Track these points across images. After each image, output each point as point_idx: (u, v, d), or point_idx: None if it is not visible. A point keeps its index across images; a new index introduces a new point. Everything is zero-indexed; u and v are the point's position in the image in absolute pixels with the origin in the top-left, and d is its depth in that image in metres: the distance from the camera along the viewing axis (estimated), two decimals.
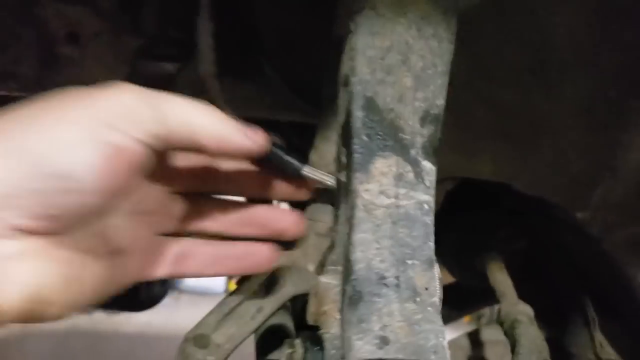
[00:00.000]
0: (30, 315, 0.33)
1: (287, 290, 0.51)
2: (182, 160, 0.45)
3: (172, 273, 0.45)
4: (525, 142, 0.66)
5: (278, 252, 0.46)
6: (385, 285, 0.34)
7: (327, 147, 0.52)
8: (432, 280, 0.35)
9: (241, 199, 0.50)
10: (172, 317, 2.72)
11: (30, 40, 0.57)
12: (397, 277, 0.35)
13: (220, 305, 0.51)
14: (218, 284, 3.41)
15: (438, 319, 0.34)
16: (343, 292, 0.35)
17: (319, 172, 0.49)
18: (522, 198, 0.69)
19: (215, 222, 0.47)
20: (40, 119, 0.33)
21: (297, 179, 0.49)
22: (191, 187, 0.46)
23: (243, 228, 0.47)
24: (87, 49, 0.57)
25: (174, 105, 0.36)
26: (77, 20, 0.57)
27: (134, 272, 0.42)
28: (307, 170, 0.49)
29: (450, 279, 0.90)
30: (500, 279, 0.72)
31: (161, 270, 0.44)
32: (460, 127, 0.63)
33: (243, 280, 0.53)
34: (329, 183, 0.48)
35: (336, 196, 0.42)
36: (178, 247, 0.45)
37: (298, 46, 0.64)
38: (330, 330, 0.37)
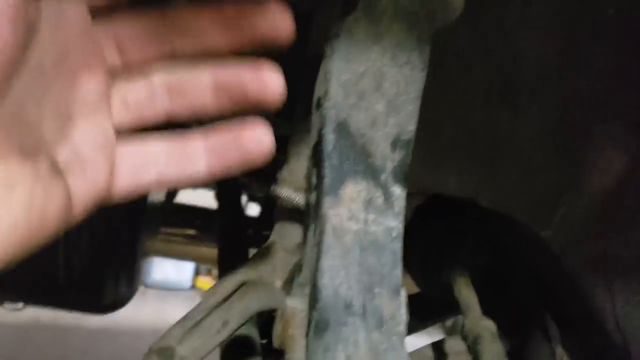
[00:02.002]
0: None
1: (253, 305, 0.51)
2: (120, 22, 0.35)
3: (138, 184, 0.36)
4: (490, 160, 0.67)
5: (270, 135, 0.37)
6: (352, 313, 0.35)
7: (298, 164, 0.52)
8: (399, 308, 0.36)
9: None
10: (138, 312, 2.69)
11: None
12: (363, 306, 0.35)
13: (185, 317, 0.51)
14: (185, 279, 3.39)
15: (403, 349, 0.35)
16: (309, 319, 0.35)
17: (289, 191, 0.49)
18: (486, 214, 0.71)
19: (180, 100, 0.36)
20: None
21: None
22: (136, 57, 0.36)
23: (214, 100, 0.36)
24: None
25: None
26: None
27: (81, 194, 0.33)
28: (276, 188, 0.49)
29: (415, 289, 0.91)
30: (466, 293, 0.73)
31: (120, 187, 0.36)
32: (427, 142, 0.64)
33: (208, 294, 0.53)
34: (297, 202, 0.49)
35: (305, 217, 0.42)
36: (133, 150, 0.36)
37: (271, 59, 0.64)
38: (296, 355, 0.37)
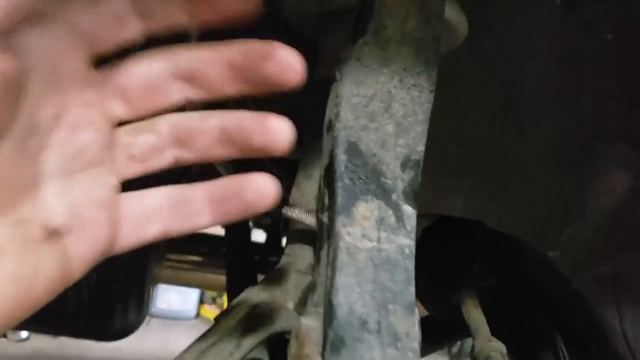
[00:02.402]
0: None
1: (266, 328, 0.51)
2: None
3: (141, 239, 0.35)
4: (496, 181, 0.68)
5: (275, 185, 0.36)
6: (367, 330, 0.35)
7: (308, 185, 0.53)
8: (413, 325, 0.36)
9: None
10: (142, 342, 2.67)
11: None
12: (378, 323, 0.36)
13: (198, 341, 0.51)
14: (189, 308, 3.37)
15: None
16: (325, 336, 0.36)
17: (300, 212, 0.50)
18: (494, 235, 0.71)
19: (186, 150, 0.36)
20: None
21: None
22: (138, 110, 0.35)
23: (220, 149, 0.36)
24: None
25: None
26: None
27: (79, 256, 0.32)
28: (287, 210, 0.50)
29: (424, 312, 0.91)
30: (475, 315, 0.73)
31: (124, 242, 0.35)
32: (432, 163, 0.65)
33: (221, 316, 0.54)
34: (310, 223, 0.49)
35: (317, 236, 0.43)
36: (136, 203, 0.35)
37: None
38: None
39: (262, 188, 0.35)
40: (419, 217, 0.43)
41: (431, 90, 0.44)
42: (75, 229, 0.32)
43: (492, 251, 0.77)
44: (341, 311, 0.36)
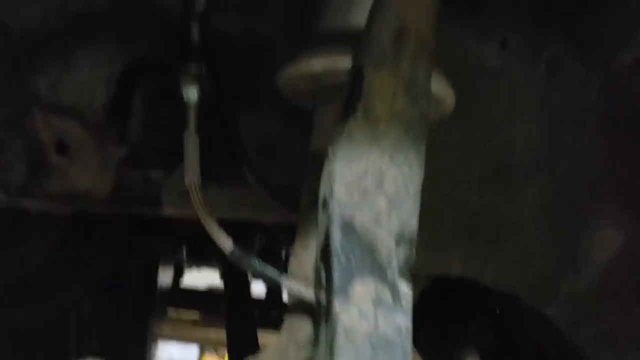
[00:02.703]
0: None
1: None
2: None
3: None
4: (490, 242, 0.69)
5: None
6: None
7: (306, 255, 0.54)
8: None
9: None
10: None
11: (19, 149, 0.59)
12: None
13: None
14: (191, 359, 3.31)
15: None
16: None
17: (299, 286, 0.51)
18: (491, 294, 0.72)
19: None
20: None
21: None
22: None
23: None
24: (75, 158, 0.60)
25: None
26: (65, 131, 0.59)
27: None
28: (286, 284, 0.51)
29: None
30: None
31: None
32: (429, 227, 0.66)
33: None
34: (308, 297, 0.50)
35: (315, 313, 0.44)
36: None
37: (276, 154, 0.67)
38: None
39: None
40: (417, 278, 0.44)
41: (421, 167, 0.45)
42: None
43: (489, 309, 0.77)
44: None
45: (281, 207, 0.66)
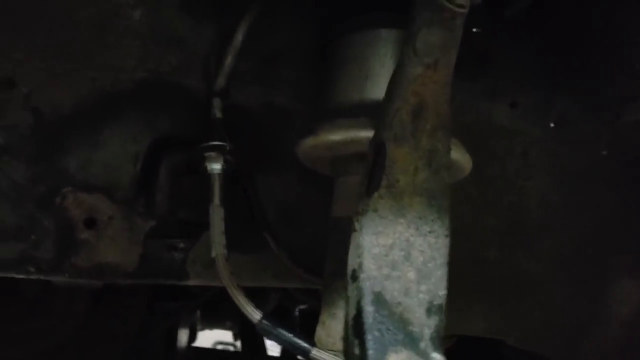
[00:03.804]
0: None
1: None
2: None
3: None
4: (512, 298, 0.70)
5: None
6: None
7: (334, 324, 0.55)
8: None
9: None
10: None
11: (49, 226, 0.61)
12: None
13: None
14: None
15: None
16: None
17: (328, 355, 0.52)
18: (516, 353, 0.72)
19: None
20: None
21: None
22: None
23: None
24: (103, 233, 0.61)
25: None
26: (94, 207, 0.61)
27: None
28: (316, 354, 0.52)
29: None
30: None
31: None
32: (450, 286, 0.67)
33: None
34: None
35: None
36: None
37: (296, 219, 0.69)
38: None
39: None
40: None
41: (446, 235, 0.47)
42: None
43: None
44: None
45: (302, 273, 0.67)
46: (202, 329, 1.58)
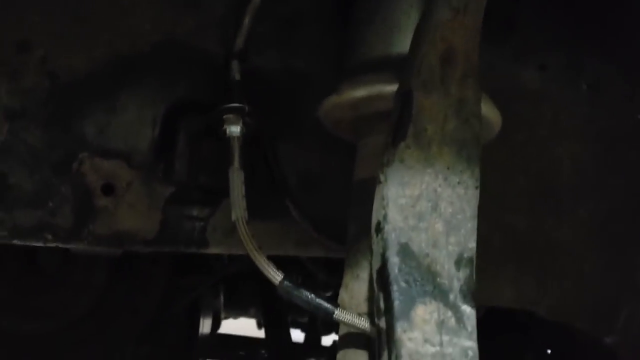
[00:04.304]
0: None
1: None
2: None
3: None
4: (542, 267, 0.67)
5: None
6: None
7: (357, 286, 0.53)
8: None
9: None
10: None
11: (67, 193, 0.60)
12: None
13: None
14: None
15: None
16: None
17: (352, 315, 0.49)
18: (546, 324, 0.69)
19: None
20: None
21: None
22: None
23: None
24: (122, 199, 0.60)
25: None
26: (112, 173, 0.60)
27: None
28: (340, 314, 0.50)
29: None
30: None
31: None
32: (477, 255, 0.65)
33: None
34: (362, 327, 0.49)
35: (376, 342, 0.42)
36: None
37: (318, 187, 0.67)
38: None
39: None
40: None
41: (476, 187, 0.44)
42: None
43: (544, 343, 0.75)
44: None
45: (325, 240, 0.65)
46: (226, 317, 1.57)
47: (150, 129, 0.61)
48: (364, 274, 0.53)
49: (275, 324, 1.24)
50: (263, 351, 1.41)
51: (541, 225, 0.67)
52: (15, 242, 0.60)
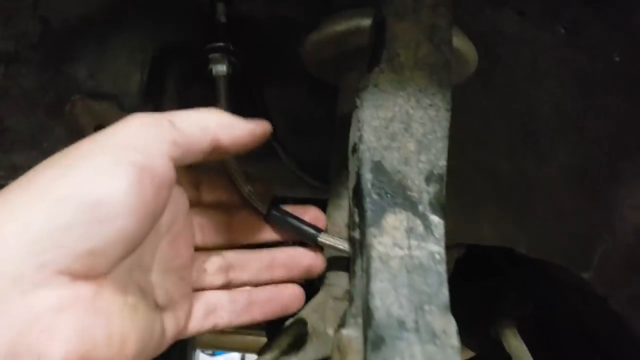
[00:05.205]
0: None
1: (308, 355, 0.53)
2: (201, 216, 0.50)
3: (203, 328, 0.47)
4: (521, 207, 0.69)
5: (302, 292, 0.51)
6: (406, 329, 0.36)
7: (338, 215, 0.56)
8: (450, 324, 0.38)
9: None
10: None
11: (60, 134, 0.62)
12: (416, 322, 0.37)
13: None
14: None
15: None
16: (365, 338, 0.37)
17: (334, 239, 0.52)
18: (526, 262, 0.72)
19: (242, 272, 0.50)
20: (70, 154, 0.35)
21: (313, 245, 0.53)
22: (211, 241, 0.50)
23: (268, 272, 0.52)
24: None
25: (182, 114, 0.40)
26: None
27: (171, 330, 0.42)
28: (322, 238, 0.52)
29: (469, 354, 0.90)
30: (515, 344, 0.73)
31: (193, 326, 0.46)
32: (457, 194, 0.67)
33: (264, 349, 0.55)
34: (342, 248, 0.51)
35: (351, 253, 0.45)
36: (205, 300, 0.47)
37: (304, 131, 0.69)
38: None
39: (294, 294, 0.52)
40: (449, 249, 0.45)
41: (447, 110, 0.46)
42: (169, 310, 0.43)
43: (525, 279, 0.77)
44: (379, 314, 0.37)
45: (311, 181, 0.67)
46: None
47: (139, 72, 0.63)
48: (344, 203, 0.56)
49: None
50: None
51: (521, 167, 0.69)
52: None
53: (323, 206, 0.60)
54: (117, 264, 0.34)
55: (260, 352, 0.51)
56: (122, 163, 0.33)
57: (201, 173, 0.53)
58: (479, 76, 0.60)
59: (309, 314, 0.53)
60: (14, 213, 0.31)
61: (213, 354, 2.78)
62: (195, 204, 0.50)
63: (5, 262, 0.30)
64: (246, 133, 0.43)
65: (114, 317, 0.34)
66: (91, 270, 0.33)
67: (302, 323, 0.53)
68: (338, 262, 0.54)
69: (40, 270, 0.31)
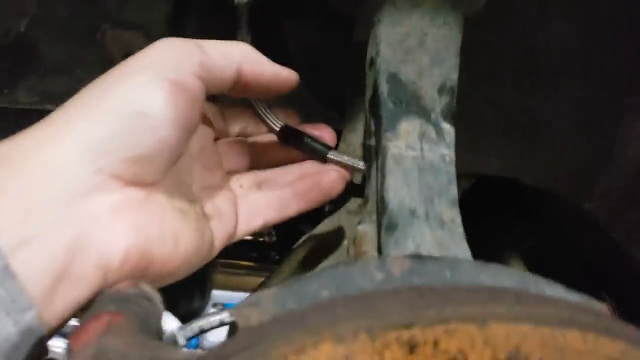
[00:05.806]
0: (135, 271, 0.35)
1: (324, 267, 0.57)
2: (226, 145, 0.53)
3: (251, 227, 0.48)
4: (527, 139, 0.72)
5: (342, 176, 0.50)
6: (416, 217, 0.40)
7: (354, 135, 0.59)
8: (457, 215, 0.41)
9: None
10: None
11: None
12: (426, 211, 0.41)
13: (265, 281, 0.57)
14: None
15: (464, 244, 0.40)
16: (379, 225, 0.41)
17: (342, 156, 0.55)
18: (529, 195, 0.75)
19: (275, 185, 0.51)
20: (111, 75, 0.38)
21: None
22: (235, 168, 0.53)
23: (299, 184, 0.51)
24: None
25: (209, 42, 0.44)
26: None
27: (220, 236, 0.45)
28: (332, 154, 0.55)
29: None
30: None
31: (241, 229, 0.48)
32: (467, 125, 0.70)
33: (284, 262, 0.59)
34: (353, 165, 0.54)
35: (367, 160, 0.48)
36: (249, 203, 0.49)
37: (321, 65, 0.72)
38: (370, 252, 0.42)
39: (334, 177, 0.50)
40: (459, 177, 0.48)
41: (459, 30, 0.49)
42: (217, 218, 0.45)
43: (528, 213, 0.81)
44: (392, 204, 0.41)
45: (327, 111, 0.71)
46: None
47: (164, 2, 0.66)
48: (360, 125, 0.59)
49: (285, 229, 1.31)
50: (274, 253, 1.49)
51: (526, 101, 0.72)
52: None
53: (338, 137, 0.63)
54: (163, 173, 0.37)
55: (270, 275, 0.54)
56: (158, 79, 0.36)
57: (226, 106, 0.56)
58: (491, 15, 0.62)
59: (325, 228, 0.57)
60: (71, 124, 0.35)
61: (224, 307, 2.87)
62: (221, 135, 0.53)
63: (66, 167, 0.34)
64: (270, 73, 0.46)
65: (166, 218, 0.38)
66: (140, 177, 0.36)
67: (313, 239, 0.57)
68: (350, 185, 0.57)
69: (97, 175, 0.34)
